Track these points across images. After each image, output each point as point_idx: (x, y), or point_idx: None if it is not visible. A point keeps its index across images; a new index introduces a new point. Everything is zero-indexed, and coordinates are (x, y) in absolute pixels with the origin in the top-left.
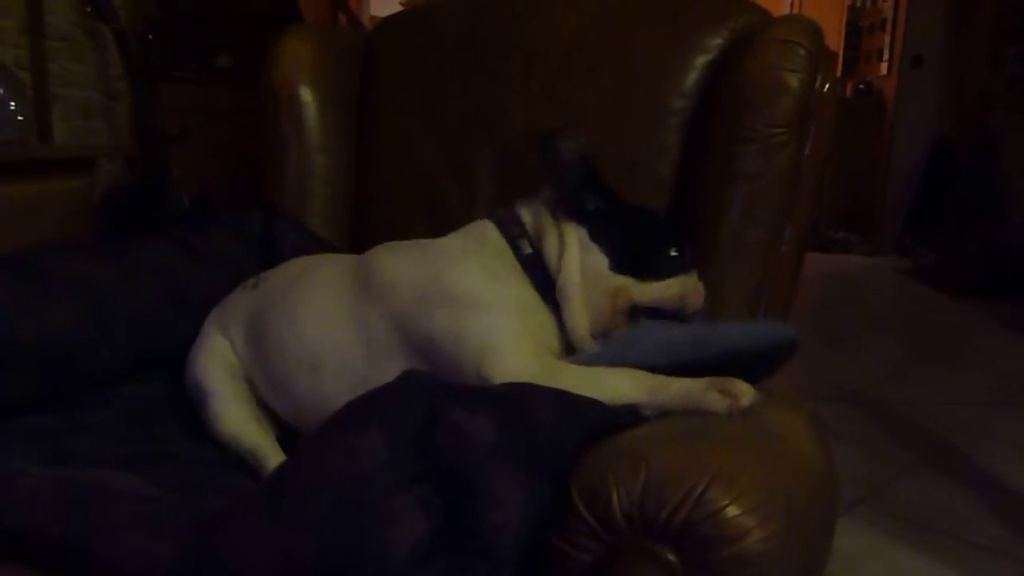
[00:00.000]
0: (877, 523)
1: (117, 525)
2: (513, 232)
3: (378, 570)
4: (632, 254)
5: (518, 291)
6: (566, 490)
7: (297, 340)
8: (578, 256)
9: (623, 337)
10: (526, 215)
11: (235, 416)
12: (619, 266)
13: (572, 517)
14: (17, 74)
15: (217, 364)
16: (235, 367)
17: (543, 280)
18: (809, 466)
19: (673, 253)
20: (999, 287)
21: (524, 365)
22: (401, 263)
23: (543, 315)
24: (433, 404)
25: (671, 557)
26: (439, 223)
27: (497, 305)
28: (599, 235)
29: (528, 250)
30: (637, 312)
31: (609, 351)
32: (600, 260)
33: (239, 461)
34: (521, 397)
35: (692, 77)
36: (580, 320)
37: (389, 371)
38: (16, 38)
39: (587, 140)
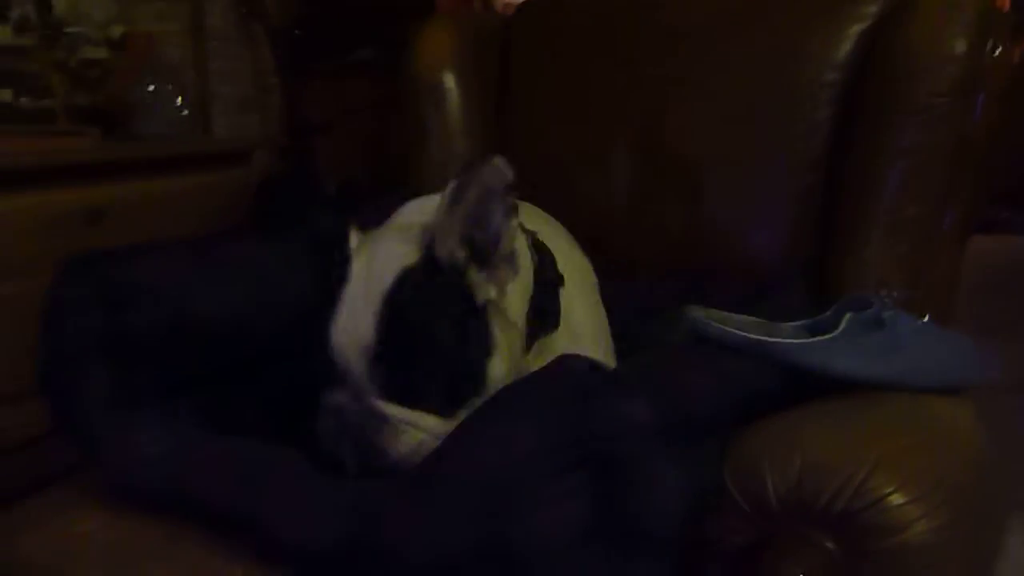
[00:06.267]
0: None
1: (283, 504)
2: None
3: (532, 556)
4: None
5: None
6: (720, 473)
7: None
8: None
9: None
10: None
11: None
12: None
13: (726, 500)
14: (181, 74)
15: None
16: None
17: None
18: (978, 457)
19: None
20: None
21: None
22: None
23: None
24: (587, 389)
25: (830, 545)
26: (576, 206)
27: None
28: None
29: None
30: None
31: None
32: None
33: None
34: (674, 375)
35: (844, 48)
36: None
37: None
38: (181, 39)
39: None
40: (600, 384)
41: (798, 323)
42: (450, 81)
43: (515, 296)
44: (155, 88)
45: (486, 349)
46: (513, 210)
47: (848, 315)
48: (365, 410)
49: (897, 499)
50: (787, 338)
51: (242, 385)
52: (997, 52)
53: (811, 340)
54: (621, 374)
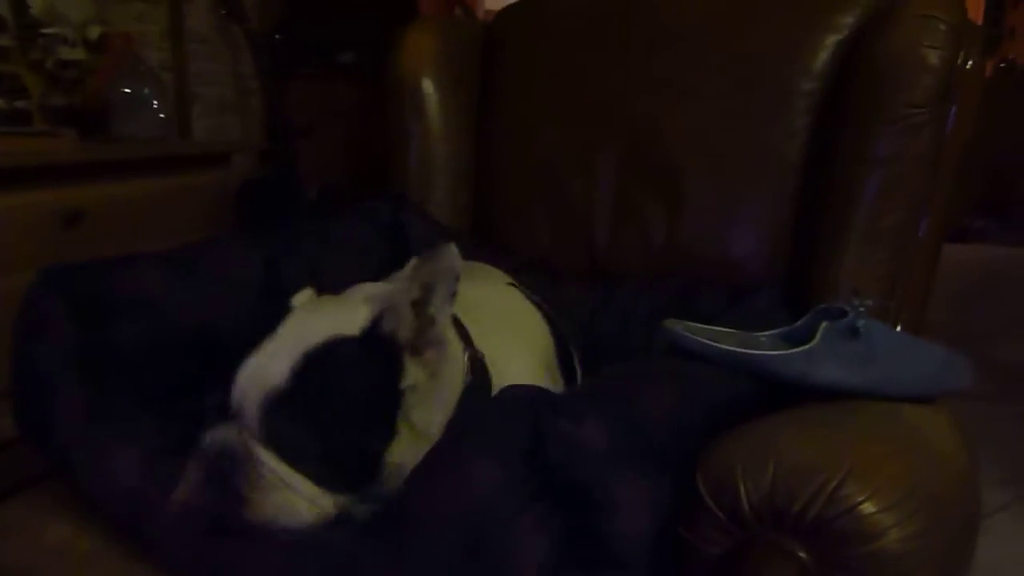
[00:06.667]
0: (1020, 530)
1: (249, 551)
2: None
3: None
4: None
5: None
6: (692, 481)
7: None
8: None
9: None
10: None
11: None
12: None
13: (699, 509)
14: (160, 75)
15: None
16: None
17: None
18: (952, 464)
19: None
20: None
21: None
22: None
23: None
24: (538, 417)
25: (802, 554)
26: (560, 210)
27: None
28: None
29: None
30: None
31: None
32: None
33: None
34: (631, 392)
35: (822, 57)
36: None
37: None
38: (159, 42)
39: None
40: (549, 411)
41: (774, 332)
42: (431, 86)
43: (445, 394)
44: (133, 90)
45: (389, 435)
46: (453, 297)
47: (824, 324)
48: (243, 454)
49: (870, 507)
50: (763, 348)
51: (222, 397)
52: (969, 64)
53: (790, 352)
54: (571, 397)
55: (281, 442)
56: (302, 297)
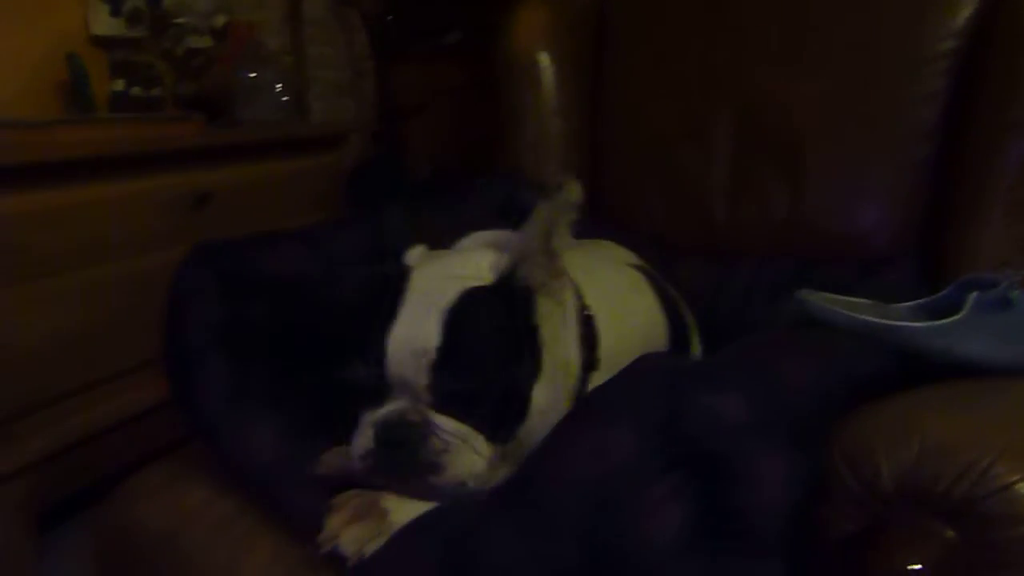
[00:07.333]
0: None
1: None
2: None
3: (641, 564)
4: None
5: None
6: (829, 454)
7: None
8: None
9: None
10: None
11: None
12: None
13: (834, 483)
14: (282, 59)
15: None
16: None
17: None
18: None
19: None
20: None
21: None
22: None
23: None
24: (678, 387)
25: (949, 533)
26: (675, 185)
27: None
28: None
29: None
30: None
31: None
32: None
33: None
34: (772, 363)
35: (964, 14)
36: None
37: None
38: (279, 27)
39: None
40: (689, 381)
41: (913, 304)
42: (545, 60)
43: (572, 322)
44: (256, 75)
45: (533, 372)
46: (570, 226)
47: (973, 295)
48: (423, 422)
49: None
50: (902, 319)
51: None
52: None
53: (937, 323)
54: (713, 367)
55: (451, 403)
56: (415, 255)
